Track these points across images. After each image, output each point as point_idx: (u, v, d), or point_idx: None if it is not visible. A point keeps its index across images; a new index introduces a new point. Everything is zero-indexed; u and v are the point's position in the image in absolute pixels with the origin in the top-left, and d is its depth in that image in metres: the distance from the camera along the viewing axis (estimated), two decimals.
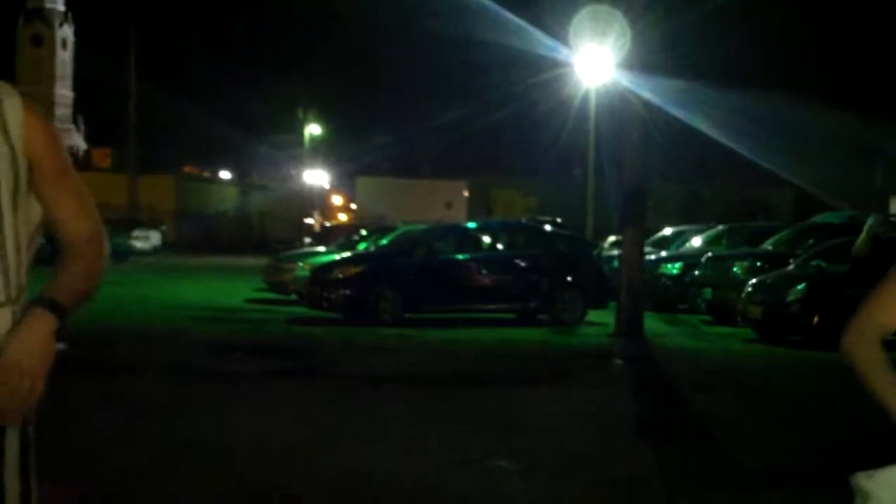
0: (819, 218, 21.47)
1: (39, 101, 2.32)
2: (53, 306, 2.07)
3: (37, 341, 2.03)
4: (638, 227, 14.65)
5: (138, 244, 38.55)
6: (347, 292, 15.30)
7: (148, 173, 55.87)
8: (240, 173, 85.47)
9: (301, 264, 19.21)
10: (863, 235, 13.19)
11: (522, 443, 7.13)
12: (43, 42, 79.49)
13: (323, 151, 68.14)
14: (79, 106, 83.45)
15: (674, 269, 18.88)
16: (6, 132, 2.13)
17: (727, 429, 7.94)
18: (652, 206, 15.35)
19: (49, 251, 2.21)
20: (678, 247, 21.07)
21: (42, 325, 2.04)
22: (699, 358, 12.39)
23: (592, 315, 15.99)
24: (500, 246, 16.79)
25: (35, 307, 2.07)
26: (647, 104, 14.86)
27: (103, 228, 2.28)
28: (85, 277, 2.19)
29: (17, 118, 2.14)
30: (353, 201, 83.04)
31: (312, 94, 70.83)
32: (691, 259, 18.67)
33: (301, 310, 16.72)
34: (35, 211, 2.21)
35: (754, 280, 14.44)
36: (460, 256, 16.15)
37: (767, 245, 17.79)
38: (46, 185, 2.20)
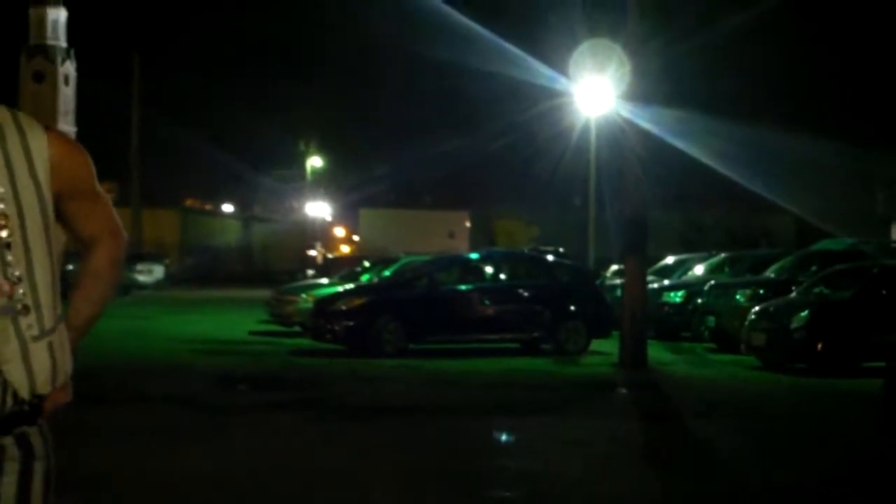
0: (821, 245, 21.50)
1: None
2: None
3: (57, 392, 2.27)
4: (640, 256, 14.68)
5: (141, 278, 38.54)
6: (350, 324, 15.30)
7: (151, 207, 56.05)
8: (242, 206, 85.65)
9: (304, 296, 19.21)
10: None
11: (527, 471, 7.13)
12: (45, 78, 79.88)
13: (325, 183, 68.33)
14: (81, 141, 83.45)
15: (677, 297, 18.90)
16: (33, 170, 2.18)
17: (731, 456, 7.93)
18: (653, 234, 15.35)
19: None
20: (681, 275, 21.08)
21: None
22: (703, 386, 12.38)
23: (596, 344, 15.99)
24: (502, 276, 16.81)
25: None
26: (647, 134, 14.95)
27: (124, 240, 2.44)
28: (102, 302, 2.39)
29: (43, 154, 2.20)
30: (355, 233, 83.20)
31: (313, 127, 71.10)
32: (694, 287, 18.69)
33: (304, 342, 16.72)
34: (60, 239, 2.30)
35: (757, 308, 14.45)
36: (463, 287, 16.17)
37: (770, 272, 17.81)
38: (76, 211, 2.32)
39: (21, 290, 2.14)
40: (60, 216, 2.28)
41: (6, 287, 2.11)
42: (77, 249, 2.40)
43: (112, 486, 6.44)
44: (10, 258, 2.12)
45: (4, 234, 2.12)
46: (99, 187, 2.38)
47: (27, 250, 2.15)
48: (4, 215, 2.12)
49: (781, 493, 6.54)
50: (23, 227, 2.14)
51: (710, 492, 6.65)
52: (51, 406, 2.24)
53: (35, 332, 2.16)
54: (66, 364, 2.27)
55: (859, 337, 12.96)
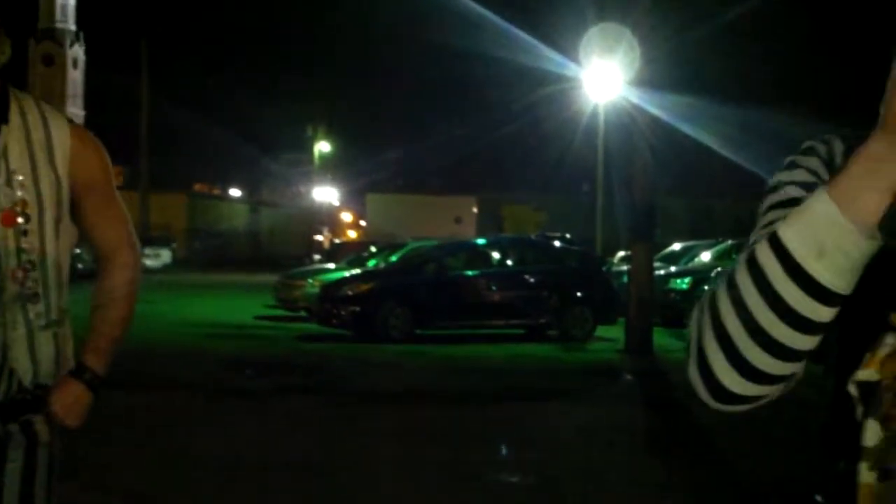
0: None
1: None
2: (86, 374, 2.28)
3: (72, 405, 2.24)
4: (647, 243, 14.66)
5: (149, 262, 38.65)
6: (357, 309, 15.32)
7: (159, 191, 56.13)
8: (250, 191, 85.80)
9: (311, 281, 19.24)
10: None
11: (532, 458, 7.14)
12: (54, 61, 79.94)
13: (332, 168, 68.35)
14: (90, 124, 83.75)
15: (683, 284, 18.87)
16: (52, 159, 2.19)
17: (736, 443, 7.92)
18: (661, 221, 15.34)
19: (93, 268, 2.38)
20: (687, 262, 21.05)
21: (73, 392, 2.24)
22: None
23: (601, 330, 15.99)
24: (509, 262, 16.80)
25: (69, 377, 2.26)
26: (655, 120, 14.90)
27: (139, 254, 2.44)
28: (121, 322, 2.38)
29: (64, 146, 2.21)
30: (362, 218, 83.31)
31: (322, 112, 71.13)
32: (700, 274, 18.66)
33: (311, 326, 16.75)
34: (72, 234, 2.29)
35: None
36: (470, 272, 16.17)
37: None
38: (91, 211, 2.31)
39: (32, 278, 2.15)
40: (77, 215, 2.29)
41: (19, 273, 2.12)
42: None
43: (119, 471, 6.46)
44: (25, 245, 2.14)
45: (21, 220, 2.13)
46: (115, 191, 2.38)
47: (42, 240, 2.16)
48: (24, 202, 2.13)
49: (785, 481, 6.53)
50: (41, 215, 2.16)
51: (714, 479, 6.65)
52: (58, 414, 2.21)
53: (42, 321, 2.17)
54: (70, 359, 2.28)
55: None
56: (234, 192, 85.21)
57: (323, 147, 65.64)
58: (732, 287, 1.07)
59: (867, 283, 1.04)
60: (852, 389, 1.06)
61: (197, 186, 79.81)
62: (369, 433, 8.02)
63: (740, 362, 1.08)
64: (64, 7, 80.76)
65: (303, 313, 18.95)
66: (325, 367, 12.22)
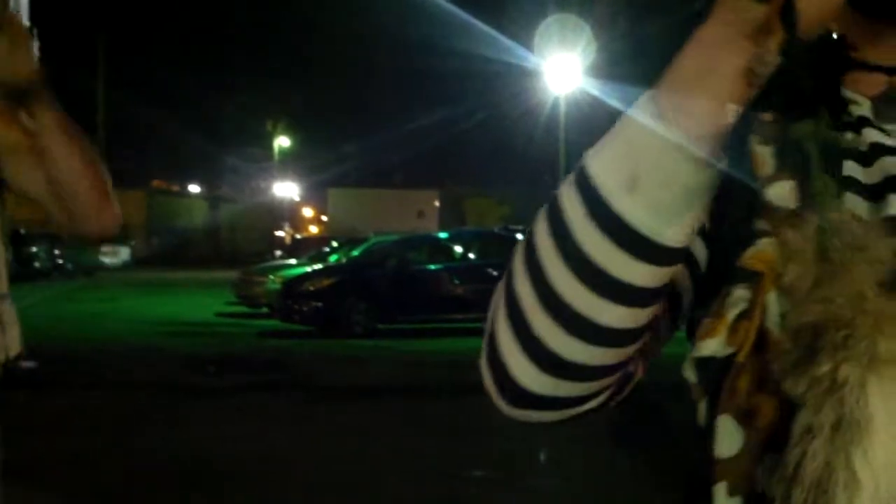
0: None
1: None
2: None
3: None
4: None
5: (107, 259, 38.19)
6: (319, 304, 15.23)
7: (117, 188, 55.54)
8: (209, 187, 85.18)
9: (272, 277, 19.12)
10: None
11: (501, 452, 7.08)
12: None
13: (293, 163, 68.07)
14: None
15: None
16: None
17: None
18: None
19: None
20: None
21: None
22: (677, 364, 12.39)
23: None
24: (472, 255, 16.77)
25: None
26: (617, 112, 14.93)
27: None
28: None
29: None
30: (324, 213, 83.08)
31: (281, 106, 70.88)
32: None
33: (273, 323, 16.63)
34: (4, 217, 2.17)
35: None
36: (433, 266, 16.12)
37: None
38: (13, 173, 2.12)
39: None
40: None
41: None
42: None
43: (80, 472, 6.34)
44: None
45: None
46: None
47: None
48: None
49: None
50: None
51: (687, 469, 6.63)
52: None
53: None
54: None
55: None
56: (194, 189, 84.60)
57: (283, 142, 65.37)
58: (529, 243, 0.78)
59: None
60: (689, 374, 0.76)
61: (155, 183, 79.11)
62: (334, 429, 7.94)
63: (533, 345, 0.79)
64: (17, 2, 79.87)
65: (264, 309, 18.81)
66: (287, 364, 12.11)
